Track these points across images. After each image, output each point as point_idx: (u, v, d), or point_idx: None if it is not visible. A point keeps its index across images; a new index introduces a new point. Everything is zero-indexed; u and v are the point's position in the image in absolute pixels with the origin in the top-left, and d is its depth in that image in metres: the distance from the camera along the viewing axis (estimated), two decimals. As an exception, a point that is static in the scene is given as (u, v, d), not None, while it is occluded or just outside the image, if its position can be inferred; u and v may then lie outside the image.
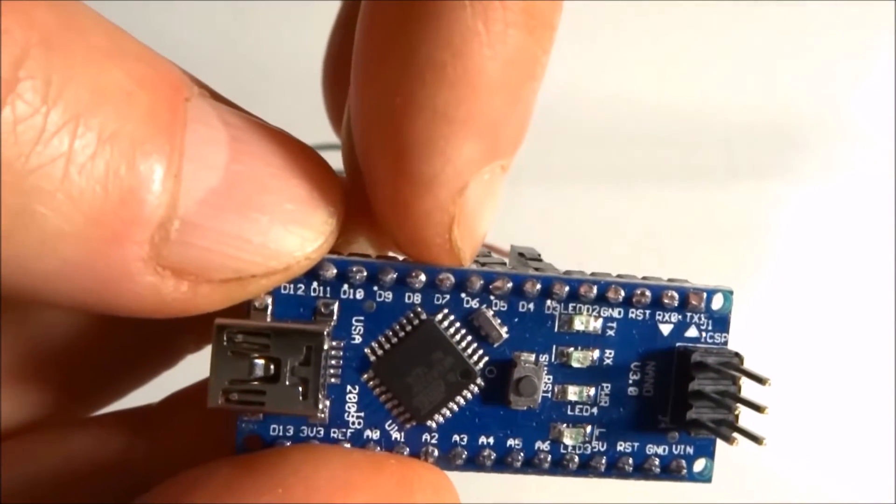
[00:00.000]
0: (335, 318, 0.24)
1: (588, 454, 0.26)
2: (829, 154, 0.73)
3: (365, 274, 0.24)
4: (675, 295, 0.25)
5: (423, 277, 0.24)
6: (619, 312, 0.25)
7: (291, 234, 0.21)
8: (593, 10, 0.64)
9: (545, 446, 0.25)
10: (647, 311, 0.25)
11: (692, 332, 0.26)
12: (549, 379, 0.25)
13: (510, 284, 0.25)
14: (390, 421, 0.25)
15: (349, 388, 0.24)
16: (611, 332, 0.25)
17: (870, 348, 0.70)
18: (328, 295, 0.24)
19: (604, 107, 0.70)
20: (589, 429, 0.26)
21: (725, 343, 0.26)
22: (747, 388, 0.25)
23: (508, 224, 0.34)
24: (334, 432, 0.24)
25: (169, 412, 0.28)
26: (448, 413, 0.25)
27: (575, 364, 0.25)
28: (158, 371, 0.30)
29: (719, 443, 0.26)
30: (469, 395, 0.25)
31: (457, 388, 0.25)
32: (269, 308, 0.23)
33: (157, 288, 0.20)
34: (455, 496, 0.24)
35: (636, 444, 0.26)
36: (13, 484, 0.26)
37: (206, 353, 0.24)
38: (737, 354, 0.25)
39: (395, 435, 0.25)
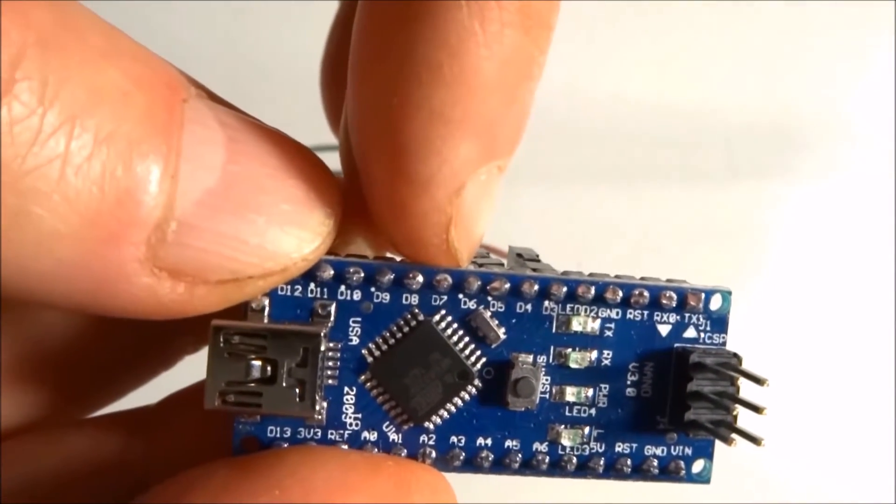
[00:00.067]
0: (332, 319, 0.24)
1: (586, 455, 0.26)
2: (829, 154, 0.73)
3: (362, 275, 0.24)
4: (674, 295, 0.25)
5: (420, 278, 0.24)
6: (618, 313, 0.25)
7: (288, 235, 0.21)
8: (593, 9, 0.64)
9: (543, 447, 0.25)
10: (646, 312, 0.25)
11: (690, 333, 0.26)
12: (546, 380, 0.25)
13: (508, 285, 0.25)
14: (388, 422, 0.25)
15: (346, 389, 0.24)
16: (609, 333, 0.25)
17: (869, 348, 0.70)
18: (325, 296, 0.24)
19: (603, 107, 0.70)
20: (587, 430, 0.26)
21: (724, 344, 0.26)
22: (746, 389, 0.25)
23: (507, 225, 0.34)
24: (331, 434, 0.24)
25: (167, 413, 0.28)
26: (446, 414, 0.25)
27: (573, 365, 0.25)
28: (156, 372, 0.30)
29: (718, 444, 0.26)
30: (467, 397, 0.25)
31: (454, 390, 0.25)
32: (266, 309, 0.23)
33: (154, 289, 0.20)
34: (452, 497, 0.24)
35: (634, 445, 0.26)
36: (11, 485, 0.26)
37: (204, 354, 0.24)
38: (735, 355, 0.25)
39: (393, 436, 0.25)
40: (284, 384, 0.23)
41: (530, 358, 0.25)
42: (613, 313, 0.25)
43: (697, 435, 0.26)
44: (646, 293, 0.25)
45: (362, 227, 0.26)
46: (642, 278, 0.26)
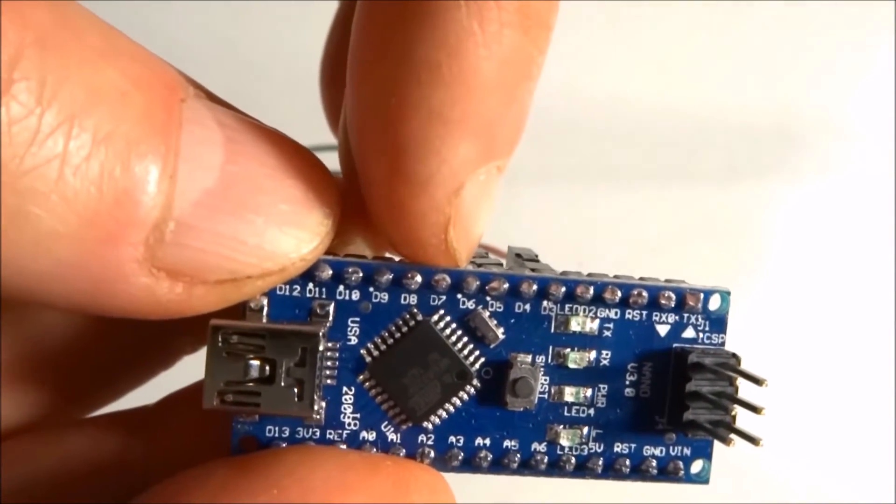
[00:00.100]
0: (331, 319, 0.24)
1: (585, 455, 0.26)
2: (829, 154, 0.73)
3: (361, 275, 0.24)
4: (672, 296, 0.25)
5: (418, 278, 0.24)
6: (616, 313, 0.25)
7: (287, 235, 0.21)
8: (592, 9, 0.64)
9: (542, 447, 0.25)
10: (644, 312, 0.25)
11: (689, 333, 0.26)
12: (545, 380, 0.25)
13: (506, 285, 0.25)
14: (386, 422, 0.25)
15: (345, 389, 0.24)
16: (607, 333, 0.25)
17: (869, 348, 0.70)
18: (324, 296, 0.24)
19: (603, 106, 0.70)
20: (586, 430, 0.26)
21: (723, 344, 0.26)
22: (744, 389, 0.25)
23: (507, 225, 0.34)
24: (330, 433, 0.24)
25: (165, 413, 0.28)
26: (444, 414, 0.25)
27: (571, 365, 0.25)
28: (155, 372, 0.30)
29: (717, 444, 0.26)
30: (465, 397, 0.25)
31: (453, 390, 0.25)
32: (265, 309, 0.23)
33: (152, 289, 0.20)
34: (451, 497, 0.24)
35: (633, 446, 0.26)
36: (11, 484, 0.26)
37: (203, 354, 0.24)
38: (734, 355, 0.25)
39: (392, 436, 0.25)
40: (283, 384, 0.23)
41: (529, 358, 0.25)
42: (612, 313, 0.25)
43: (696, 435, 0.26)
44: (644, 293, 0.25)
45: (361, 227, 0.26)
46: (641, 278, 0.26)
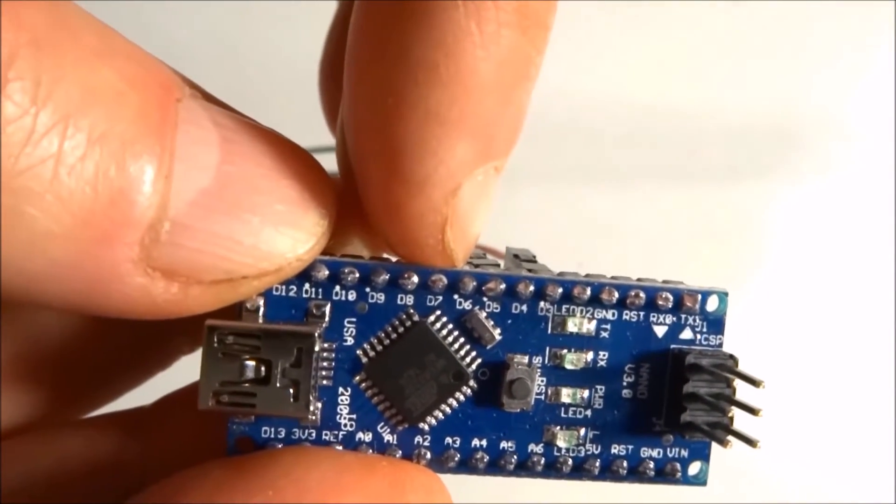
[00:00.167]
0: (327, 319, 0.24)
1: (582, 457, 0.26)
2: (829, 153, 0.73)
3: (357, 275, 0.24)
4: (670, 296, 0.25)
5: (415, 279, 0.24)
6: (613, 314, 0.25)
7: (283, 235, 0.21)
8: (592, 9, 0.64)
9: (538, 449, 0.25)
10: (642, 313, 0.25)
11: (687, 334, 0.26)
12: (542, 381, 0.25)
13: (503, 286, 0.24)
14: (382, 423, 0.25)
15: (341, 389, 0.24)
16: (605, 334, 0.25)
17: (869, 349, 0.70)
18: (320, 296, 0.24)
19: (603, 106, 0.70)
20: (583, 431, 0.25)
21: (720, 345, 0.26)
22: (742, 391, 0.25)
23: (506, 225, 0.34)
24: (326, 434, 0.24)
25: (162, 414, 0.28)
26: (440, 415, 0.25)
27: (568, 366, 0.25)
28: (152, 372, 0.30)
29: (715, 446, 0.26)
30: (462, 398, 0.25)
31: (449, 390, 0.25)
32: (261, 309, 0.23)
33: (147, 289, 0.20)
34: (447, 498, 0.24)
35: (630, 447, 0.26)
36: (8, 485, 0.26)
37: (199, 355, 0.24)
38: (731, 357, 0.25)
39: (388, 437, 0.25)
40: (278, 384, 0.23)
41: (526, 359, 0.25)
42: (609, 314, 0.25)
43: (693, 437, 0.26)
44: (642, 294, 0.25)
45: (359, 227, 0.26)
46: (638, 279, 0.26)
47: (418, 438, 0.25)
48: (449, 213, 0.22)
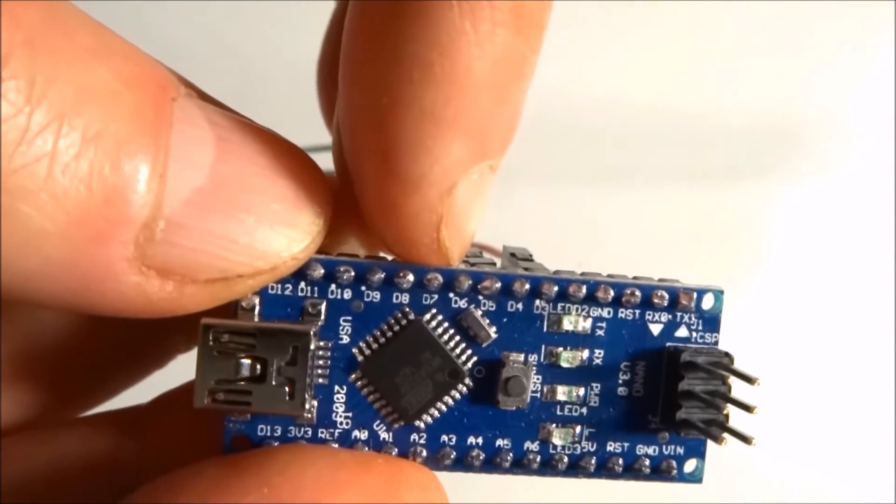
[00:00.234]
0: (323, 318, 0.24)
1: (577, 454, 0.26)
2: (829, 153, 0.73)
3: (352, 274, 0.24)
4: (665, 295, 0.25)
5: (410, 277, 0.24)
6: (609, 312, 0.25)
7: (278, 234, 0.21)
8: (591, 8, 0.64)
9: (534, 446, 0.25)
10: (637, 311, 0.25)
11: (682, 332, 0.26)
12: (537, 379, 0.25)
13: (498, 284, 0.25)
14: (378, 421, 0.25)
15: (337, 388, 0.24)
16: (600, 332, 0.25)
17: (868, 349, 0.70)
18: (316, 295, 0.24)
19: (603, 106, 0.70)
20: (578, 429, 0.26)
21: (716, 343, 0.26)
22: (738, 389, 0.25)
23: (507, 225, 0.34)
24: (322, 432, 0.24)
25: (158, 412, 0.28)
26: (436, 413, 0.25)
27: (564, 364, 0.25)
28: (149, 371, 0.30)
29: (710, 443, 0.26)
30: (457, 396, 0.25)
31: (445, 388, 0.25)
32: (257, 308, 0.23)
33: (142, 288, 0.20)
34: (443, 495, 0.24)
35: (626, 445, 0.26)
36: (4, 483, 0.26)
37: (196, 353, 0.24)
38: (727, 354, 0.25)
39: (384, 435, 0.25)
40: (274, 383, 0.23)
41: (521, 357, 0.25)
42: (605, 312, 0.25)
43: (689, 434, 0.26)
44: (637, 292, 0.25)
45: (355, 226, 0.26)
46: (634, 277, 0.26)
47: (414, 436, 0.25)
48: (444, 212, 0.22)
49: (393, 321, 0.24)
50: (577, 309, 0.25)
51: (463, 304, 0.25)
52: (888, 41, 0.72)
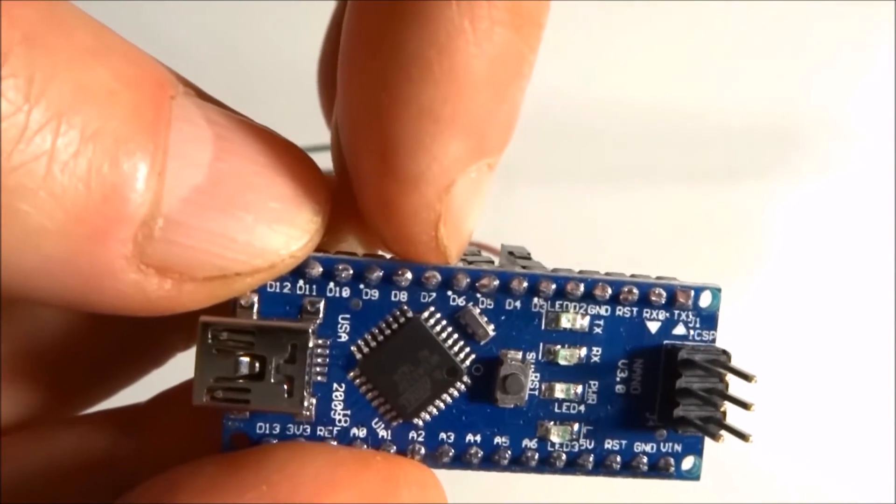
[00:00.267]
0: (321, 316, 0.24)
1: (575, 452, 0.26)
2: (829, 153, 0.73)
3: (351, 272, 0.24)
4: (663, 292, 0.25)
5: (409, 275, 0.24)
6: (607, 310, 0.25)
7: (276, 232, 0.21)
8: (590, 8, 0.64)
9: (532, 444, 0.25)
10: (635, 309, 0.25)
11: (680, 330, 0.26)
12: (535, 377, 0.25)
13: (497, 282, 0.25)
14: (377, 419, 0.25)
15: (335, 386, 0.24)
16: (598, 330, 0.25)
17: (868, 348, 0.70)
18: (314, 293, 0.24)
19: (603, 106, 0.70)
20: (576, 426, 0.26)
21: (713, 340, 0.26)
22: (737, 386, 0.25)
23: (507, 225, 0.34)
24: (321, 430, 0.25)
25: (157, 411, 0.28)
26: (434, 411, 0.25)
27: (562, 362, 0.25)
28: (147, 370, 0.30)
29: (708, 441, 0.26)
30: (455, 393, 0.25)
31: (443, 386, 0.25)
32: (255, 306, 0.24)
33: (141, 286, 0.20)
34: (441, 493, 0.24)
35: (624, 442, 0.26)
36: (3, 482, 0.26)
37: (194, 351, 0.24)
38: (724, 352, 0.25)
39: (382, 433, 0.25)
40: (272, 381, 0.23)
41: (519, 355, 0.25)
42: (602, 310, 0.25)
43: (686, 431, 0.26)
44: (635, 290, 0.25)
45: (353, 224, 0.26)
46: (632, 275, 0.26)
47: (412, 434, 0.25)
48: (442, 210, 0.22)
49: (391, 319, 0.24)
50: (574, 307, 0.25)
51: (461, 302, 0.25)
52: (888, 41, 0.72)
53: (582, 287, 0.25)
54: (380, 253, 0.26)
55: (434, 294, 0.24)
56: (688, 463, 0.26)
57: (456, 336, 0.25)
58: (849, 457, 0.68)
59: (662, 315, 0.26)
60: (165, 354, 0.30)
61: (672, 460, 0.26)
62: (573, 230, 0.68)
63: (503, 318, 0.25)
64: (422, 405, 0.25)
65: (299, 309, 0.24)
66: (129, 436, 0.27)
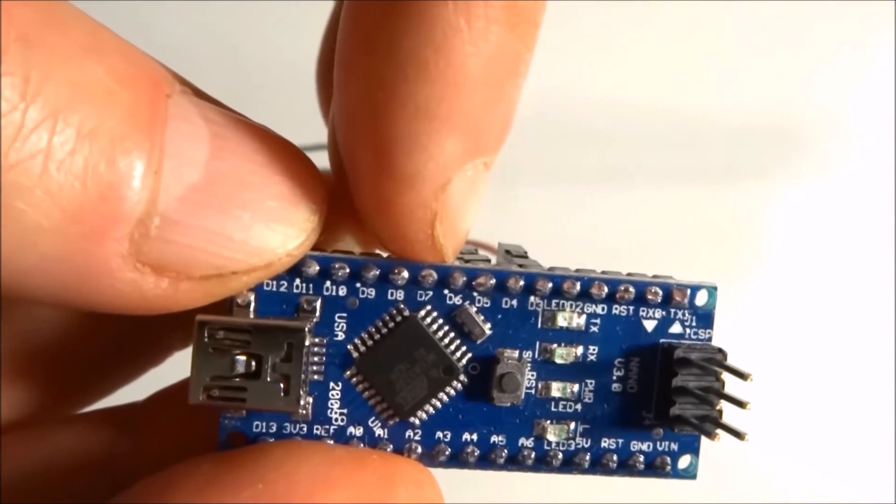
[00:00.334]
0: (318, 314, 0.24)
1: (572, 451, 0.26)
2: (829, 153, 0.73)
3: (347, 271, 0.24)
4: (659, 291, 0.25)
5: (405, 274, 0.24)
6: (603, 309, 0.25)
7: (273, 231, 0.21)
8: (590, 8, 0.64)
9: (529, 443, 0.26)
10: (631, 308, 0.25)
11: (676, 329, 0.26)
12: (532, 375, 0.25)
13: (493, 281, 0.25)
14: (373, 417, 0.25)
15: (332, 384, 0.24)
16: (594, 329, 0.25)
17: (868, 348, 0.70)
18: (311, 291, 0.24)
19: (603, 106, 0.70)
20: (573, 425, 0.26)
21: (709, 339, 0.26)
22: (733, 385, 0.25)
23: (507, 225, 0.34)
24: (317, 429, 0.25)
25: (154, 409, 0.28)
26: (431, 409, 0.25)
27: (558, 360, 0.25)
28: (145, 368, 0.30)
29: (704, 439, 0.26)
30: (452, 392, 0.25)
31: (440, 385, 0.25)
32: (252, 305, 0.24)
33: (138, 284, 0.20)
34: (438, 492, 0.24)
35: (620, 441, 0.26)
36: (0, 480, 0.26)
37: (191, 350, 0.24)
38: (720, 350, 0.25)
39: (379, 431, 0.25)
40: (269, 379, 0.23)
41: (516, 353, 0.25)
42: (599, 309, 0.25)
43: (683, 430, 0.26)
44: (631, 289, 0.25)
45: (350, 223, 0.26)
46: (628, 274, 0.26)
47: (409, 433, 0.25)
48: (438, 209, 0.22)
49: (388, 318, 0.24)
50: (571, 305, 0.25)
51: (457, 300, 0.25)
52: (888, 41, 0.72)
53: (578, 286, 0.25)
54: (376, 251, 0.26)
55: (431, 292, 0.25)
56: (684, 462, 0.26)
57: (452, 335, 0.25)
58: (846, 456, 0.68)
59: (659, 314, 0.26)
60: (162, 353, 0.30)
61: (668, 459, 0.26)
62: (571, 229, 0.68)
63: (500, 316, 0.25)
64: (418, 404, 0.25)
65: (296, 308, 0.24)
66: (127, 434, 0.27)
